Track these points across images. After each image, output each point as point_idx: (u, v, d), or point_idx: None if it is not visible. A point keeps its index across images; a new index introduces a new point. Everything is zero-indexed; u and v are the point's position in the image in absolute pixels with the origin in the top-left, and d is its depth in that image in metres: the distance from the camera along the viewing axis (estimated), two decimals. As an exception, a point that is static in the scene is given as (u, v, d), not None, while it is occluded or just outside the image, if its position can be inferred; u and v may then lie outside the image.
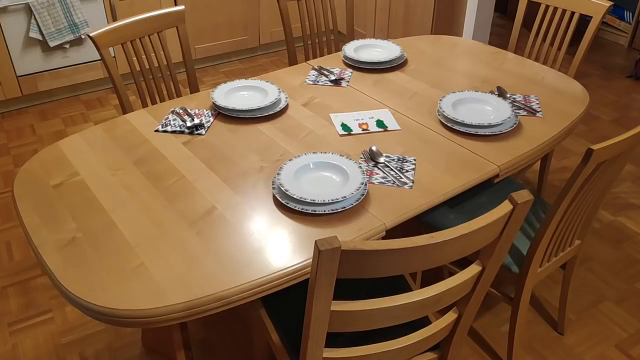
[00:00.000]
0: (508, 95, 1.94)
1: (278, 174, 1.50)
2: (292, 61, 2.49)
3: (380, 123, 1.80)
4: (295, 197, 1.41)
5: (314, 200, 1.40)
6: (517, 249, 1.72)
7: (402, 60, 2.19)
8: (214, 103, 1.85)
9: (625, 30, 4.24)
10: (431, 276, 2.18)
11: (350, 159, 1.56)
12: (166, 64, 2.16)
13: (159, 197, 1.47)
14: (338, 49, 2.56)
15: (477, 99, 1.87)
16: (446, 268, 1.91)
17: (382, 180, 1.54)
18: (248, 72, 3.82)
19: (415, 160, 1.62)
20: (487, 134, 1.72)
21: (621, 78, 3.78)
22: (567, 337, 1.99)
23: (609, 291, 2.18)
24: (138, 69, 2.05)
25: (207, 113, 1.85)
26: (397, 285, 1.57)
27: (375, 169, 1.59)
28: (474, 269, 1.15)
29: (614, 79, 3.77)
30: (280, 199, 1.44)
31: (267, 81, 1.98)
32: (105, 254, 1.29)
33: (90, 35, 1.94)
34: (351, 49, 2.23)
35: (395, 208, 1.44)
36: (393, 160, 1.62)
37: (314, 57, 2.53)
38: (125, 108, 2.05)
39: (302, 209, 1.40)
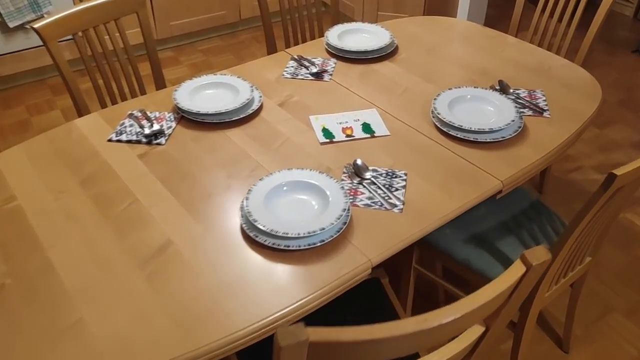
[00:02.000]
0: (511, 91, 1.72)
1: (246, 198, 1.28)
2: (270, 40, 2.23)
3: (366, 127, 1.58)
4: (265, 229, 1.20)
5: (287, 234, 1.19)
6: (521, 271, 1.52)
7: (392, 48, 1.95)
8: (176, 105, 1.62)
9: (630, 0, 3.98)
10: (424, 299, 1.99)
11: (331, 177, 1.35)
12: (127, 57, 1.91)
13: (106, 229, 1.25)
14: (321, 25, 2.30)
15: (476, 97, 1.65)
16: (441, 286, 1.72)
17: (368, 202, 1.33)
18: (228, 49, 3.55)
19: (406, 174, 1.41)
20: (488, 140, 1.50)
21: (626, 53, 3.54)
22: (572, 356, 1.82)
23: (618, 301, 2.00)
24: (94, 63, 1.80)
25: (169, 117, 1.62)
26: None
27: (361, 187, 1.38)
28: (476, 331, 0.95)
29: (618, 54, 3.53)
30: (248, 231, 1.23)
31: (238, 76, 1.75)
32: (39, 307, 1.08)
33: (35, 27, 1.69)
34: (335, 35, 1.98)
35: (382, 238, 1.23)
36: (381, 175, 1.41)
37: (294, 34, 2.27)
38: (80, 109, 1.81)
39: (274, 244, 1.19)
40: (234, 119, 1.59)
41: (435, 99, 1.62)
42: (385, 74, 1.83)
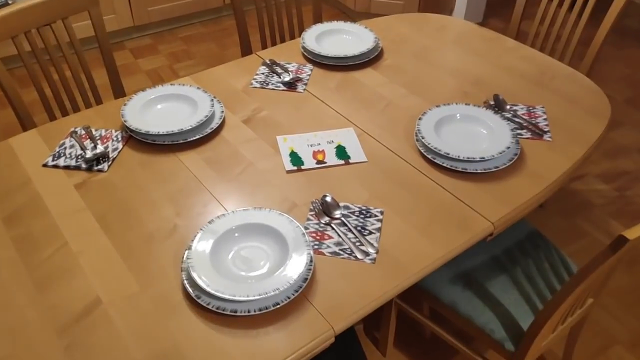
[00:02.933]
0: (508, 107, 1.51)
1: (190, 247, 1.09)
2: (243, 34, 2.01)
3: (341, 151, 1.38)
4: (208, 289, 1.01)
5: (234, 297, 1.00)
6: (513, 318, 1.34)
7: (375, 53, 1.73)
8: (124, 123, 1.42)
9: (641, -14, 3.73)
10: (409, 326, 1.82)
11: (293, 220, 1.15)
12: (75, 55, 1.70)
13: (26, 283, 1.07)
14: (300, 11, 2.07)
15: (467, 117, 1.44)
16: (427, 326, 1.54)
17: (336, 250, 1.14)
18: (211, 37, 3.32)
19: (382, 213, 1.22)
20: (479, 171, 1.30)
21: (636, 46, 3.30)
22: (569, 399, 1.65)
23: (621, 332, 1.82)
24: (39, 68, 1.60)
25: (117, 136, 1.42)
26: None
27: (329, 228, 1.18)
28: None
29: (627, 47, 3.30)
30: (189, 290, 1.04)
31: (198, 87, 1.54)
32: None
33: (-35, 28, 1.48)
34: (312, 37, 1.77)
35: (350, 297, 1.05)
36: (353, 213, 1.22)
37: (271, 26, 2.05)
38: (25, 125, 1.61)
39: (219, 307, 1.01)
40: (189, 139, 1.39)
41: (420, 119, 1.42)
42: (367, 83, 1.62)
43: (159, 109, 1.49)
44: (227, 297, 1.00)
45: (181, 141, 1.39)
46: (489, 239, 1.22)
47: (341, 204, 1.23)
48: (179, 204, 1.24)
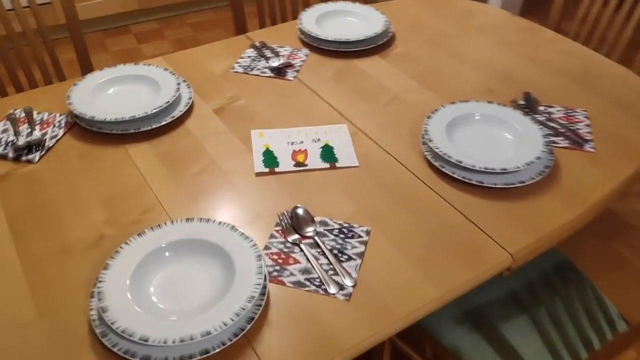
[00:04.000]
0: (541, 109, 1.22)
1: (106, 267, 0.84)
2: (237, 10, 1.75)
3: (327, 152, 1.11)
4: (117, 328, 0.76)
5: (147, 340, 0.74)
6: (534, 377, 1.05)
7: (385, 39, 1.46)
8: (69, 106, 1.18)
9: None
10: None
11: (248, 237, 0.89)
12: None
13: None
14: None
15: (489, 117, 1.16)
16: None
17: (301, 279, 0.87)
18: (221, 24, 3.09)
19: (368, 233, 0.94)
20: (499, 186, 1.02)
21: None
22: None
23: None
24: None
25: (60, 121, 1.18)
26: None
27: (296, 249, 0.92)
28: None
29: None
30: (95, 325, 0.78)
31: (165, 68, 1.29)
32: None
33: None
34: (312, 19, 1.50)
35: (310, 348, 0.78)
36: (331, 231, 0.95)
37: (271, 9, 1.79)
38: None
39: (127, 352, 0.75)
40: (142, 129, 1.14)
41: (429, 117, 1.14)
42: (371, 74, 1.35)
43: (115, 92, 1.25)
44: (137, 340, 0.74)
45: (132, 131, 1.14)
46: (505, 274, 0.94)
47: (317, 219, 0.97)
48: (113, 208, 0.99)
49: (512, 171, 1.02)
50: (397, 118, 1.20)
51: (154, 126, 1.15)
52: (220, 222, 0.90)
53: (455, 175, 1.03)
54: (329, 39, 1.41)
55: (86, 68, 1.55)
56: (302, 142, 1.14)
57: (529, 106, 1.22)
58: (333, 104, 1.25)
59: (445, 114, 1.15)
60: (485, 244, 0.93)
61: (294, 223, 0.95)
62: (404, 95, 1.27)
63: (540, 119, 1.19)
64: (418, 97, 1.27)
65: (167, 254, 0.86)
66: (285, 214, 0.97)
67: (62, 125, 1.17)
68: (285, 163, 1.09)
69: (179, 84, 1.24)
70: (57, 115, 1.19)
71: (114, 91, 1.25)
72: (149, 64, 1.31)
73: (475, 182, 1.02)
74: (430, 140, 1.07)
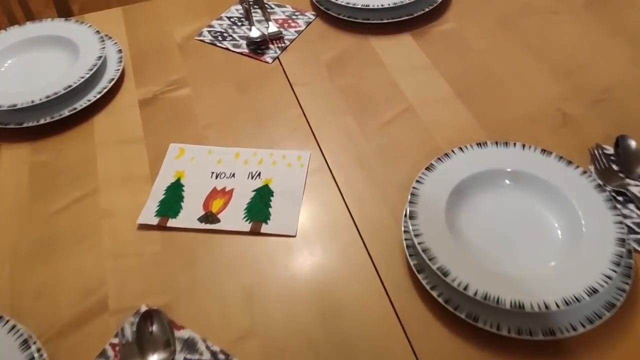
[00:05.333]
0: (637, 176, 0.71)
1: None
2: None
3: (259, 201, 0.71)
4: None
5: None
6: None
7: (429, 7, 0.97)
8: (-56, 77, 0.86)
9: None
10: None
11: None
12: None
13: None
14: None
15: (529, 183, 0.67)
16: None
17: None
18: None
19: (252, 380, 0.56)
20: (525, 337, 0.57)
21: None
22: None
23: None
24: None
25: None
26: None
27: (125, 390, 0.55)
28: None
29: None
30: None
31: (98, 31, 0.92)
32: None
33: None
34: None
35: None
36: (195, 362, 0.57)
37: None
38: None
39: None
40: (26, 124, 0.81)
41: (422, 176, 0.67)
42: (388, 63, 0.89)
43: (16, 62, 0.91)
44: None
45: (13, 126, 0.81)
46: None
47: (180, 334, 0.59)
48: None
49: (556, 309, 0.56)
50: (395, 151, 0.76)
51: (41, 121, 0.81)
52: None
53: (459, 314, 0.58)
54: (349, 4, 0.95)
55: (63, 9, 1.22)
56: (233, 174, 0.75)
57: (620, 162, 0.71)
58: (309, 110, 0.82)
59: (453, 166, 0.68)
60: None
61: (141, 339, 0.58)
62: (421, 109, 0.81)
63: (633, 190, 0.68)
64: (441, 115, 0.80)
65: None
66: (129, 326, 0.60)
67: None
68: (191, 211, 0.71)
69: (99, 57, 0.87)
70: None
71: (17, 61, 0.91)
72: (79, 21, 0.95)
73: (488, 328, 0.57)
74: (418, 235, 0.62)
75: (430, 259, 0.59)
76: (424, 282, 0.60)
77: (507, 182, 0.67)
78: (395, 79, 0.86)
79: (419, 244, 0.60)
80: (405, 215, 0.65)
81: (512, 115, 0.79)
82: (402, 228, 0.65)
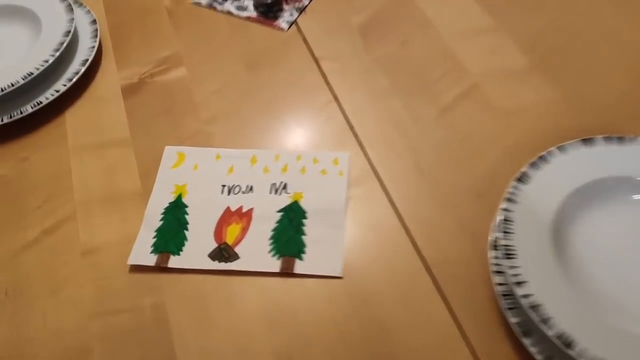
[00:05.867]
0: None
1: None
2: None
3: (289, 227, 0.53)
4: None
5: None
6: None
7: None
8: None
9: None
10: None
11: None
12: None
13: None
14: None
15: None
16: None
17: None
18: None
19: None
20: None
21: None
22: None
23: None
24: None
25: None
26: None
27: None
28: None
29: None
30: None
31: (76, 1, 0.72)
32: None
33: None
34: None
35: None
36: None
37: None
38: None
39: None
40: (-30, 130, 0.62)
41: (514, 192, 0.49)
42: (441, 24, 0.69)
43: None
44: None
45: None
46: None
47: None
48: None
49: None
50: (463, 148, 0.58)
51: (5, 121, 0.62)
52: None
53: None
54: (374, -54, 0.74)
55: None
56: (250, 187, 0.57)
57: None
58: (343, 94, 0.63)
59: (560, 175, 0.50)
60: None
61: None
62: (491, 87, 0.62)
63: None
64: (519, 95, 0.61)
65: None
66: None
67: None
68: (199, 243, 0.53)
69: (67, 32, 0.67)
70: None
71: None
72: (40, -15, 0.74)
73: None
74: (521, 283, 0.45)
75: (543, 321, 0.41)
76: (533, 351, 0.43)
77: (637, 196, 0.49)
78: (451, 46, 0.67)
79: (523, 297, 0.43)
80: (494, 247, 0.48)
81: (615, 94, 0.60)
82: (492, 267, 0.47)
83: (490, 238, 0.49)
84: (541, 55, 0.64)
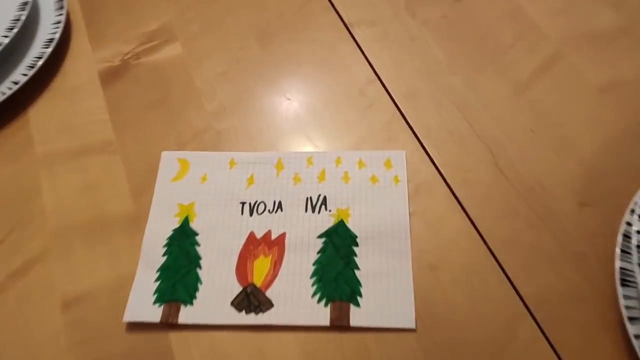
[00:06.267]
0: None
1: None
2: None
3: (337, 260, 0.40)
4: None
5: None
6: None
7: None
8: None
9: None
10: None
11: None
12: None
13: None
14: None
15: None
16: None
17: None
18: None
19: None
20: None
21: None
22: None
23: None
24: None
25: None
26: None
27: None
28: None
29: None
30: None
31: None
32: None
33: None
34: None
35: None
36: None
37: None
38: None
39: None
40: None
41: None
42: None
43: None
44: None
45: None
46: None
47: None
48: None
49: None
50: (555, 141, 0.44)
51: None
52: None
53: None
54: None
55: None
56: (279, 204, 0.43)
57: None
58: (386, 70, 0.49)
59: None
60: None
61: None
62: (577, 54, 0.48)
63: None
64: (614, 65, 0.47)
65: None
66: None
67: None
68: (217, 287, 0.40)
69: (25, 3, 0.52)
70: None
71: None
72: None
73: None
74: None
75: None
76: None
77: None
78: (520, 1, 0.52)
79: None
80: (623, 284, 0.35)
81: None
82: (624, 311, 0.35)
83: (616, 267, 0.36)
84: (630, 13, 0.50)
